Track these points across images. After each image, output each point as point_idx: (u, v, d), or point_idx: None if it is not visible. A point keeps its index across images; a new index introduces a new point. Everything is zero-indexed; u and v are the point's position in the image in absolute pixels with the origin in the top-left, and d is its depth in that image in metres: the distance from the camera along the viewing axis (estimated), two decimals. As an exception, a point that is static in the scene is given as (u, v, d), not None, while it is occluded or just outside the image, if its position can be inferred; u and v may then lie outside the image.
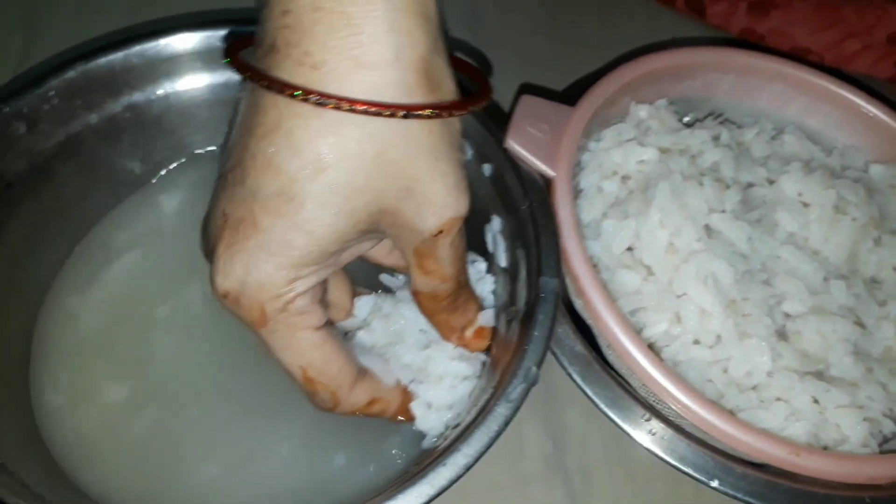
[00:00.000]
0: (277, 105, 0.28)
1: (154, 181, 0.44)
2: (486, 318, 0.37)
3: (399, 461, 0.37)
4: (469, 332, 0.36)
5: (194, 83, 0.42)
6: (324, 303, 0.33)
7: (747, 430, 0.32)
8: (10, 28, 0.52)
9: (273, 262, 0.29)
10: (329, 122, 0.27)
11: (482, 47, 0.54)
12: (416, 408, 0.36)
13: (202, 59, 0.41)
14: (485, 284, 0.39)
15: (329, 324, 0.33)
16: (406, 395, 0.36)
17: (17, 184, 0.38)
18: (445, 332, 0.36)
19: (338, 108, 0.26)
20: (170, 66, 0.41)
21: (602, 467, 0.39)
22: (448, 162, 0.30)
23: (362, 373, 0.34)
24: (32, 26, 0.52)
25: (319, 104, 0.27)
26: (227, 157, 0.30)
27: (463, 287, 0.35)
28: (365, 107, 0.27)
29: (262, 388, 0.38)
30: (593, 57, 0.54)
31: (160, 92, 0.41)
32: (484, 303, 0.38)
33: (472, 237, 0.40)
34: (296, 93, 0.27)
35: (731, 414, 0.33)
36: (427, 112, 0.28)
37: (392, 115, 0.27)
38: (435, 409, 0.36)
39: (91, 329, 0.39)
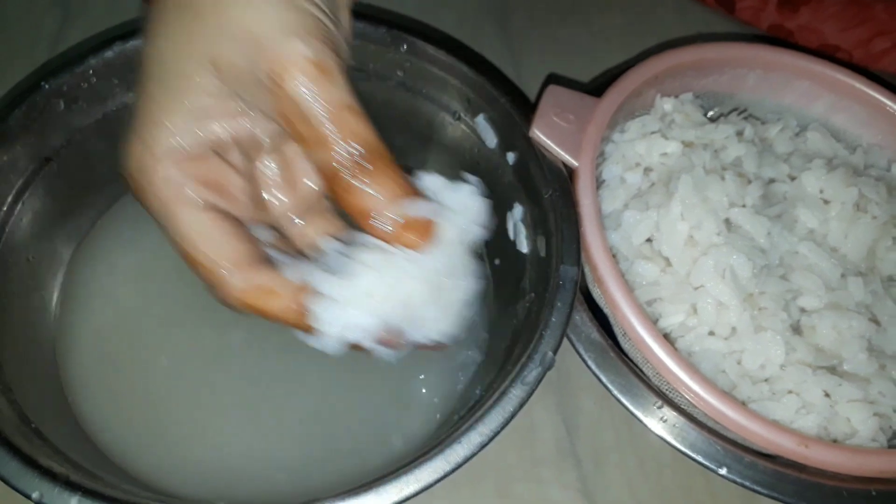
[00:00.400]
0: None
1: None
2: (423, 209, 0.29)
3: (435, 401, 0.38)
4: (387, 216, 0.29)
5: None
6: (245, 195, 0.32)
7: (757, 420, 0.33)
8: (45, 7, 0.53)
9: (136, 130, 0.30)
10: None
11: (510, 37, 0.55)
12: (311, 304, 0.30)
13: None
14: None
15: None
16: (304, 292, 0.30)
17: (55, 159, 0.39)
18: (356, 216, 0.29)
19: None
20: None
21: (613, 453, 0.40)
22: None
23: (261, 262, 0.31)
24: (66, 7, 0.53)
25: None
26: None
27: (368, 157, 0.29)
28: None
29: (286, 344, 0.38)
30: (620, 49, 0.54)
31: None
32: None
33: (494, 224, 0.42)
34: None
35: (741, 404, 0.34)
36: None
37: None
38: (329, 305, 0.29)
39: (116, 299, 0.41)
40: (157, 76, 0.30)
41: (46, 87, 0.38)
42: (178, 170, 0.30)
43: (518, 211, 0.40)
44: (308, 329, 0.30)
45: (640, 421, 0.35)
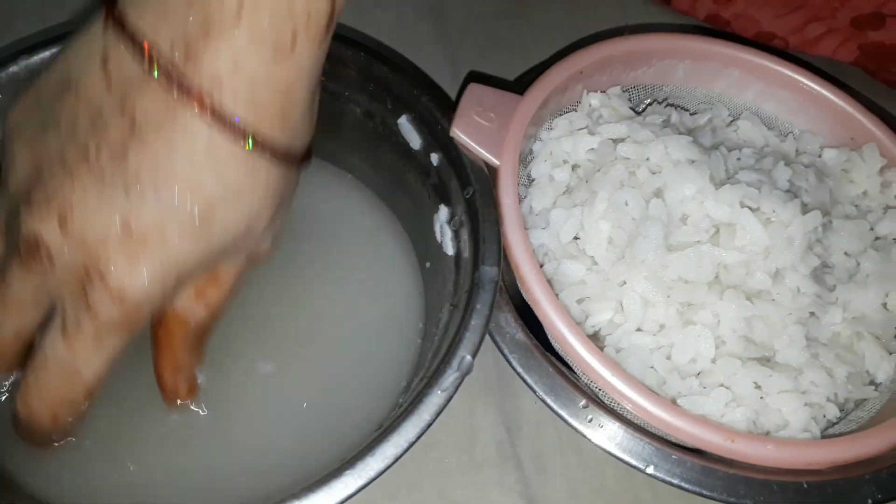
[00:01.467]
0: None
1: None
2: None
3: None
4: (182, 380, 0.35)
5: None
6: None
7: (681, 416, 0.32)
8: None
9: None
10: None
11: (444, 32, 0.54)
12: None
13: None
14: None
15: None
16: None
17: None
18: (167, 369, 0.34)
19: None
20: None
21: (555, 453, 0.39)
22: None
23: None
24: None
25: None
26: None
27: (208, 334, 0.34)
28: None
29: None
30: (557, 43, 0.53)
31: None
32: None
33: (420, 227, 0.41)
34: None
35: (666, 400, 0.33)
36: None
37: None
38: None
39: None
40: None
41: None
42: None
43: (443, 213, 0.39)
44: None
45: (566, 421, 0.34)
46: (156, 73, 0.26)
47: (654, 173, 0.38)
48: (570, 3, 0.57)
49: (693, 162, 0.38)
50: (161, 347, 0.33)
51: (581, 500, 0.38)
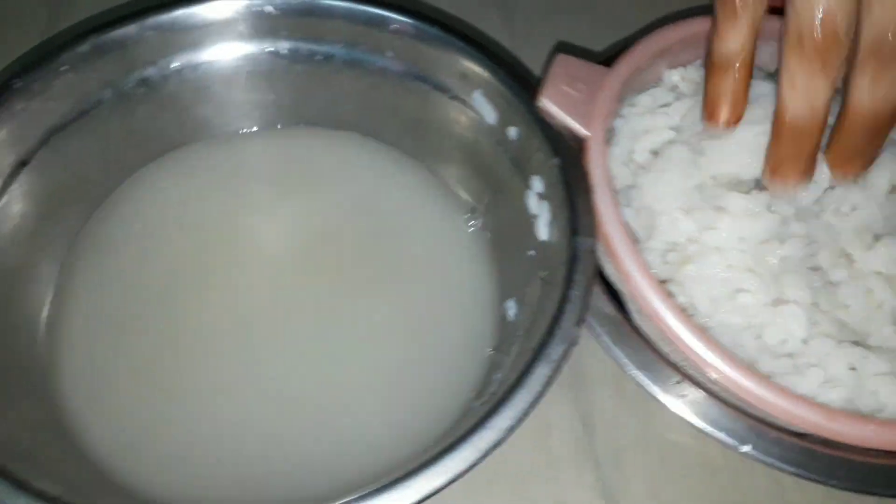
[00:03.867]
0: None
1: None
2: None
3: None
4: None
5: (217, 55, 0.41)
6: None
7: (782, 394, 0.32)
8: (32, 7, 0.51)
9: None
10: None
11: (511, 13, 0.53)
12: None
13: (220, 31, 0.40)
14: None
15: None
16: None
17: (32, 160, 0.37)
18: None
19: None
20: (184, 38, 0.40)
21: (634, 450, 0.38)
22: None
23: None
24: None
25: None
26: None
27: None
28: None
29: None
30: (639, 17, 0.52)
31: (175, 66, 0.40)
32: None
33: (513, 203, 0.40)
34: None
35: (763, 376, 0.32)
36: None
37: None
38: None
39: (107, 305, 0.39)
40: None
41: (18, 84, 0.36)
42: None
43: (536, 184, 0.38)
44: None
45: (658, 400, 0.33)
46: None
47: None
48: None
49: None
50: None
51: (661, 499, 0.37)
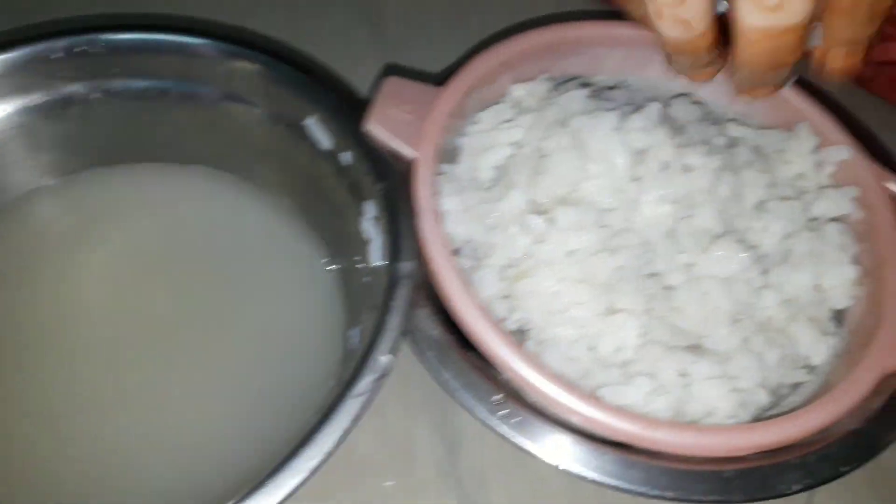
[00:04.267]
0: None
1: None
2: None
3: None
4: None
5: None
6: None
7: (596, 406, 0.31)
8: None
9: None
10: None
11: (383, 37, 0.53)
12: None
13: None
14: None
15: None
16: None
17: None
18: None
19: None
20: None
21: (497, 469, 0.38)
22: None
23: None
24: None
25: None
26: None
27: None
28: None
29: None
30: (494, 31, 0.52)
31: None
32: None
33: (353, 230, 0.39)
34: None
35: (575, 388, 0.32)
36: None
37: None
38: None
39: None
40: None
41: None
42: None
43: (369, 210, 0.38)
44: None
45: (480, 420, 0.33)
46: None
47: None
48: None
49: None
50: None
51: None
